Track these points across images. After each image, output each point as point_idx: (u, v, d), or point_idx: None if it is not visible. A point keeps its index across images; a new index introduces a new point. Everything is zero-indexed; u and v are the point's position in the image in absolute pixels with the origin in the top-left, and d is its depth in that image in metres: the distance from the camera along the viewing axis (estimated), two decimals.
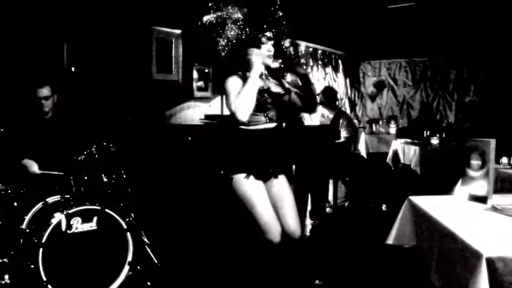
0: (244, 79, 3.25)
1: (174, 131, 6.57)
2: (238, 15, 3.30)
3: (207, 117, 6.75)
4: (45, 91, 4.55)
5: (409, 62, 11.24)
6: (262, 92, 3.31)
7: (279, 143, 3.44)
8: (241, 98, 3.13)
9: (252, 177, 3.27)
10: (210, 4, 3.36)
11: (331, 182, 6.89)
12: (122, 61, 6.04)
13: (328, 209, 6.87)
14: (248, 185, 3.27)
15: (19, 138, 4.47)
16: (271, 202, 3.35)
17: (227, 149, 3.45)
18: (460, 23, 9.39)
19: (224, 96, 3.32)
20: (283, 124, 3.50)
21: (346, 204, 7.44)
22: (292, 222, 3.41)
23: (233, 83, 3.25)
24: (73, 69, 5.63)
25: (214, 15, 3.34)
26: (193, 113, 7.08)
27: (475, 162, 2.98)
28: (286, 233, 3.36)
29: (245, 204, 3.29)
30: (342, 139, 7.00)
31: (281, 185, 3.47)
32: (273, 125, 3.37)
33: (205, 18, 3.37)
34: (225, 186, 3.37)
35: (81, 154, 4.34)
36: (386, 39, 10.46)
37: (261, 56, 3.27)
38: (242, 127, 3.30)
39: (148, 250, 4.36)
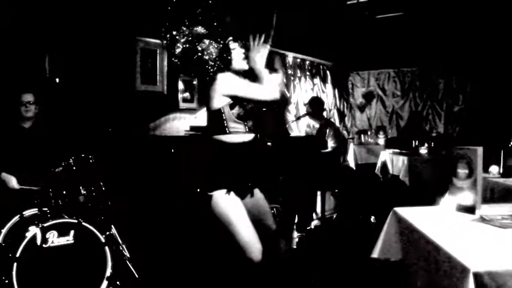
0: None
1: (158, 143, 6.48)
2: (202, 30, 3.29)
3: (192, 128, 6.68)
4: (29, 97, 4.52)
5: (397, 72, 11.20)
6: (247, 101, 3.26)
7: (255, 157, 3.37)
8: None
9: (230, 194, 3.21)
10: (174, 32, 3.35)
11: (319, 193, 6.81)
12: (105, 72, 5.95)
13: (316, 221, 6.78)
14: (226, 203, 3.21)
15: None
16: (253, 215, 3.31)
17: (204, 166, 3.38)
18: (448, 32, 9.38)
19: (226, 92, 3.24)
20: (258, 136, 3.44)
21: (335, 216, 7.34)
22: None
23: (232, 76, 3.28)
24: (57, 80, 5.53)
25: (183, 40, 3.33)
26: (179, 124, 6.99)
27: (462, 171, 2.88)
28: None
29: (224, 222, 3.23)
30: (329, 148, 6.92)
31: (256, 196, 3.44)
32: (250, 136, 3.32)
33: (178, 50, 3.36)
34: (205, 203, 3.29)
35: (58, 166, 4.26)
36: (375, 50, 10.43)
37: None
38: (218, 138, 3.26)
39: (129, 264, 4.26)
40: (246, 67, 3.34)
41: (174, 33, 3.33)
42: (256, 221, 3.32)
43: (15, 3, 5.13)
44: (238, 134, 3.26)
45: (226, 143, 3.27)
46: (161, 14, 4.96)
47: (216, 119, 3.30)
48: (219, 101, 3.24)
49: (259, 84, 3.22)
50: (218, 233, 3.36)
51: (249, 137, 3.31)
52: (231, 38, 3.30)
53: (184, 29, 3.29)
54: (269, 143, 3.63)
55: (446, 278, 2.07)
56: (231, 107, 3.23)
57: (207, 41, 3.25)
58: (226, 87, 3.20)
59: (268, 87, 3.22)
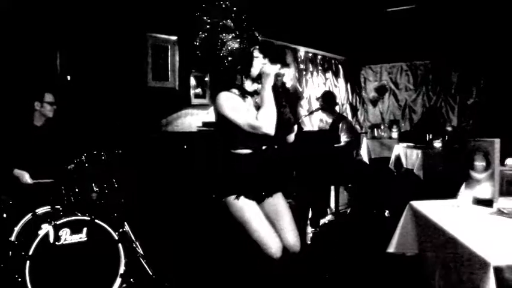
0: (242, 94, 3.26)
1: (171, 139, 6.47)
2: (232, 25, 3.23)
3: (204, 124, 6.66)
4: (51, 97, 4.55)
5: (410, 66, 11.10)
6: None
7: (271, 165, 3.34)
8: (265, 112, 3.11)
9: (243, 197, 3.18)
10: (204, 18, 3.28)
11: (332, 188, 6.76)
12: (116, 68, 5.95)
13: (329, 216, 6.74)
14: (241, 206, 3.18)
15: (10, 148, 4.35)
16: (268, 218, 3.26)
17: (218, 173, 3.37)
18: (461, 24, 9.28)
19: (222, 112, 3.15)
20: (275, 146, 3.39)
21: (348, 210, 7.29)
22: (291, 237, 3.31)
23: (231, 98, 3.18)
24: (69, 78, 5.53)
25: (210, 25, 3.26)
26: (191, 120, 6.97)
27: (479, 163, 2.83)
28: (285, 247, 3.26)
29: (241, 224, 3.20)
30: (342, 143, 6.87)
31: (276, 200, 3.38)
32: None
33: (203, 28, 3.29)
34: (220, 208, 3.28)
35: (70, 163, 4.25)
36: (387, 43, 10.33)
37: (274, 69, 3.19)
38: (233, 151, 3.23)
39: (143, 262, 4.23)
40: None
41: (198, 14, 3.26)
42: (272, 224, 3.28)
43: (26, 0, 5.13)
44: (243, 149, 3.23)
45: (234, 153, 3.24)
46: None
47: (221, 133, 3.30)
48: (218, 118, 3.22)
49: (257, 116, 3.13)
50: (231, 230, 3.34)
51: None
52: (257, 46, 3.25)
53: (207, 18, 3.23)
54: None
55: (466, 272, 2.03)
56: (230, 126, 3.17)
57: (229, 36, 3.19)
58: (220, 107, 3.14)
59: (265, 121, 3.10)
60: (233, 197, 3.18)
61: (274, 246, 3.13)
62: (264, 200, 3.33)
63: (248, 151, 3.23)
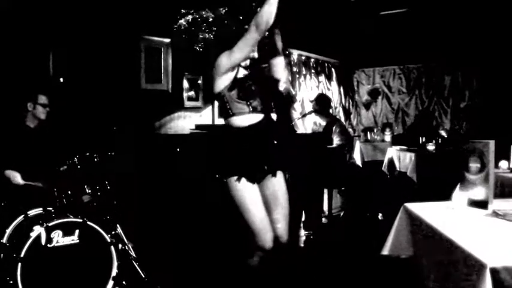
0: None
1: (164, 142, 6.45)
2: (211, 15, 3.24)
3: (197, 127, 6.63)
4: (44, 99, 4.54)
5: (403, 69, 11.12)
6: (246, 79, 3.29)
7: (270, 138, 3.35)
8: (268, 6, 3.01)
9: (244, 179, 3.20)
10: (183, 11, 3.29)
11: (325, 191, 6.75)
12: (109, 70, 5.94)
13: (323, 219, 6.72)
14: (239, 189, 3.20)
15: (2, 148, 4.33)
16: (265, 201, 3.29)
17: (218, 153, 3.40)
18: (453, 28, 9.30)
19: (224, 68, 3.18)
20: (272, 115, 3.41)
21: (342, 214, 7.29)
22: (281, 226, 3.35)
23: (224, 52, 3.18)
24: (61, 79, 5.51)
25: (187, 18, 3.27)
26: (184, 123, 6.96)
27: (474, 165, 2.82)
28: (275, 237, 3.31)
29: (238, 207, 3.23)
30: (335, 145, 6.86)
31: (277, 184, 3.39)
32: (257, 117, 3.27)
33: (178, 22, 3.31)
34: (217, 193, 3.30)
35: (63, 164, 4.22)
36: (380, 47, 10.33)
37: None
38: (226, 122, 3.29)
39: (135, 264, 4.21)
40: (256, 55, 3.34)
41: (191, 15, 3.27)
42: (268, 208, 3.30)
43: (20, 1, 5.10)
44: (242, 115, 3.24)
45: (234, 128, 3.27)
46: None
47: (221, 103, 3.32)
48: (219, 83, 3.24)
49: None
50: (225, 228, 3.35)
51: (256, 117, 3.27)
52: (245, 26, 3.26)
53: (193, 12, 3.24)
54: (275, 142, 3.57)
55: (462, 274, 2.02)
56: (230, 88, 3.22)
57: (211, 18, 3.20)
58: (220, 67, 3.18)
59: (266, 14, 3.02)
60: (234, 178, 3.19)
61: (267, 237, 3.18)
62: (266, 179, 3.33)
63: (247, 122, 3.24)
